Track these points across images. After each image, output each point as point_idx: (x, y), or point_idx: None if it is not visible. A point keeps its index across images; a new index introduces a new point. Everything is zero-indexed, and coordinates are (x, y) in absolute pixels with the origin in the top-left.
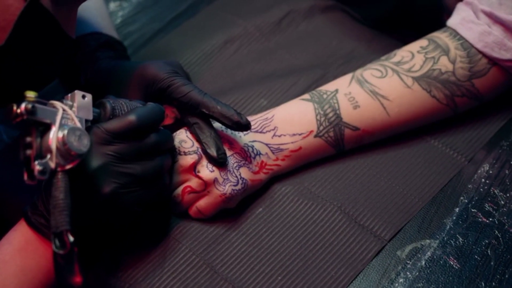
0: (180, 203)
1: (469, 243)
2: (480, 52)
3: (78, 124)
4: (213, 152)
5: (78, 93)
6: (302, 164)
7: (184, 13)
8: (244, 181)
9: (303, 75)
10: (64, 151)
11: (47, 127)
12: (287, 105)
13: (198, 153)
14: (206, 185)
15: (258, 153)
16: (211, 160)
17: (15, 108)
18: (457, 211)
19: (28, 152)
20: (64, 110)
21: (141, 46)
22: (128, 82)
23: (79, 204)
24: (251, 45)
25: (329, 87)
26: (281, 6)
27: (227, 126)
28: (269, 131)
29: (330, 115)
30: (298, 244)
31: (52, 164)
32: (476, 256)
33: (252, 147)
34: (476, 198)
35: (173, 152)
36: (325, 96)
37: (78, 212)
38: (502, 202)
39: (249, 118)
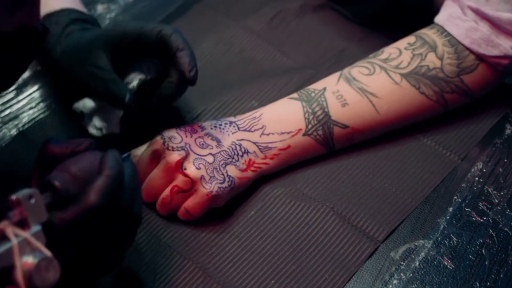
0: (168, 204)
1: (463, 243)
2: (467, 48)
3: (41, 248)
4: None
5: (23, 198)
6: (292, 163)
7: (174, 14)
8: (231, 179)
9: (294, 76)
10: (33, 286)
11: (9, 267)
12: (275, 104)
13: (186, 149)
14: (193, 183)
15: (246, 152)
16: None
17: None
18: (450, 210)
19: None
20: (18, 237)
21: None
22: (96, 50)
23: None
24: (242, 45)
25: (317, 85)
26: (272, 5)
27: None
28: (257, 129)
29: (319, 113)
30: (291, 246)
31: None
32: (470, 256)
33: (240, 145)
34: (470, 197)
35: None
36: (313, 94)
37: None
38: (496, 201)
39: (238, 117)
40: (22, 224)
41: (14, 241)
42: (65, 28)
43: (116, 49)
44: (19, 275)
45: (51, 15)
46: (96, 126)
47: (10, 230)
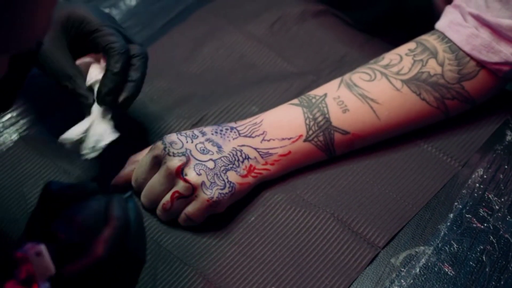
0: (169, 210)
1: (464, 249)
2: (468, 54)
3: None
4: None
5: (29, 255)
6: (292, 169)
7: (175, 20)
8: (231, 184)
9: (295, 82)
10: None
11: None
12: (276, 110)
13: (187, 155)
14: (194, 189)
15: (247, 157)
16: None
17: None
18: (451, 217)
19: None
20: None
21: None
22: (56, 26)
23: None
24: (243, 50)
25: (318, 91)
26: (273, 11)
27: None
28: (258, 135)
29: (320, 119)
30: (291, 252)
31: None
32: (471, 263)
33: (241, 151)
34: (471, 203)
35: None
36: (314, 100)
37: None
38: (497, 207)
39: (238, 123)
40: (30, 280)
41: None
42: None
43: (71, 35)
44: None
45: None
46: (92, 147)
47: None
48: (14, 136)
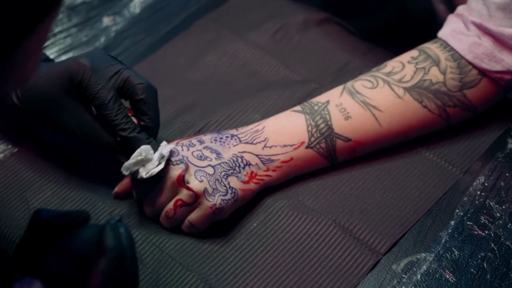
0: (172, 218)
1: (465, 256)
2: (470, 63)
3: None
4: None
5: None
6: (294, 175)
7: (178, 28)
8: (233, 190)
9: (297, 90)
10: None
11: None
12: (278, 116)
13: (185, 162)
14: (197, 197)
15: (248, 164)
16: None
17: None
18: (452, 224)
19: None
20: None
21: (135, 60)
22: (53, 88)
23: None
24: (246, 58)
25: (321, 98)
26: (275, 20)
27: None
28: (259, 142)
29: (322, 126)
30: (293, 258)
31: None
32: (472, 270)
33: (242, 157)
34: (472, 210)
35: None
36: (316, 107)
37: None
38: (498, 215)
39: (240, 130)
40: None
41: None
42: None
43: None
44: None
45: None
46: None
47: None
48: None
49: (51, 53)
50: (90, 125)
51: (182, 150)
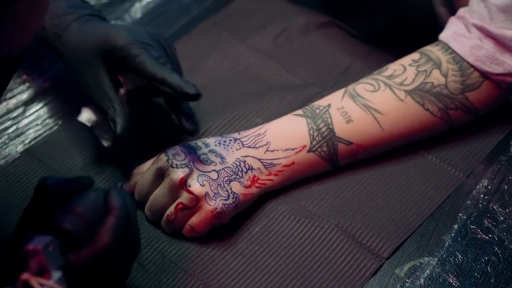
0: (173, 221)
1: (469, 260)
2: (471, 65)
3: None
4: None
5: (41, 248)
6: (296, 179)
7: (179, 32)
8: (235, 195)
9: (299, 93)
10: None
11: None
12: (280, 120)
13: (190, 166)
14: (198, 200)
15: (250, 168)
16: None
17: None
18: (456, 227)
19: None
20: (42, 287)
21: None
22: (94, 54)
23: None
24: (247, 62)
25: (322, 102)
26: (277, 23)
27: (178, 97)
28: (261, 146)
29: (323, 129)
30: (295, 263)
31: None
32: (475, 274)
33: (244, 162)
34: (475, 214)
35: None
36: (317, 111)
37: None
38: (502, 218)
39: (242, 134)
40: (42, 271)
41: None
42: (59, 21)
43: (109, 61)
44: None
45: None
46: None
47: (34, 281)
48: (20, 148)
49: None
50: (104, 90)
51: (190, 153)
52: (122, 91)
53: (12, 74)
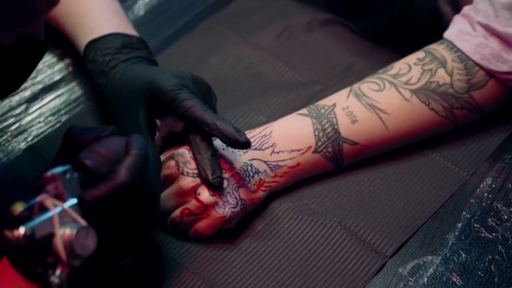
0: (178, 224)
1: (472, 259)
2: (477, 64)
3: (79, 220)
4: (207, 175)
5: (59, 174)
6: (300, 179)
7: (182, 30)
8: (243, 201)
9: (302, 91)
10: (72, 255)
11: (49, 237)
12: (284, 120)
13: (200, 176)
14: (206, 208)
15: (257, 172)
16: (206, 183)
17: (10, 234)
18: (459, 226)
19: (39, 269)
20: (57, 207)
21: None
22: (138, 93)
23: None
24: (250, 60)
25: (327, 101)
26: (279, 21)
27: (226, 144)
28: (267, 147)
29: (328, 130)
30: (298, 261)
31: (66, 271)
32: (479, 273)
33: (251, 165)
34: (479, 213)
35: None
36: (322, 110)
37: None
38: (506, 217)
39: (247, 135)
40: (58, 198)
41: (54, 211)
42: (109, 59)
43: (151, 103)
44: (59, 244)
45: (96, 42)
46: None
47: (49, 202)
48: (22, 145)
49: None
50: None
51: None
52: (158, 136)
53: (39, 59)
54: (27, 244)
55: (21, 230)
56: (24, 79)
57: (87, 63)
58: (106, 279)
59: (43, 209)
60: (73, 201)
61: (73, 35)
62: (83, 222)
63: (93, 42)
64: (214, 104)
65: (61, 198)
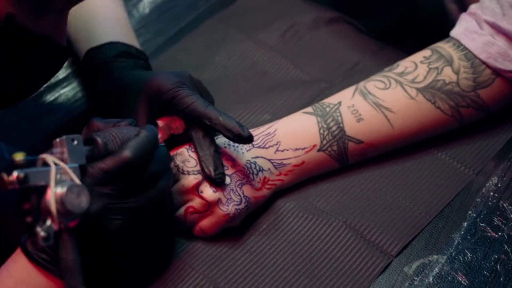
0: (182, 222)
1: (478, 259)
2: (483, 62)
3: (75, 179)
4: (210, 171)
5: (66, 139)
6: (305, 178)
7: (187, 28)
8: (247, 199)
9: (307, 89)
10: (64, 211)
11: (43, 189)
12: (289, 118)
13: (201, 173)
14: (209, 206)
15: (261, 169)
16: (209, 179)
17: (5, 177)
18: (465, 225)
19: (28, 219)
20: (56, 164)
21: None
22: (136, 94)
23: (88, 248)
24: (255, 58)
25: (332, 99)
26: (284, 19)
27: (229, 139)
28: (271, 146)
29: (334, 128)
30: (303, 260)
31: (55, 227)
32: (485, 272)
33: (255, 163)
34: (485, 212)
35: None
36: (328, 109)
37: (90, 255)
38: (511, 216)
39: (252, 133)
40: (63, 160)
41: (53, 166)
42: (106, 66)
43: (151, 104)
44: (51, 196)
45: (96, 50)
46: None
47: (50, 158)
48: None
49: None
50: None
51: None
52: (160, 139)
53: (60, 64)
54: (21, 188)
55: (15, 173)
56: (41, 84)
57: (84, 68)
58: (109, 277)
59: (46, 165)
60: (75, 165)
61: (76, 38)
62: (78, 181)
63: (93, 50)
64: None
65: (64, 162)
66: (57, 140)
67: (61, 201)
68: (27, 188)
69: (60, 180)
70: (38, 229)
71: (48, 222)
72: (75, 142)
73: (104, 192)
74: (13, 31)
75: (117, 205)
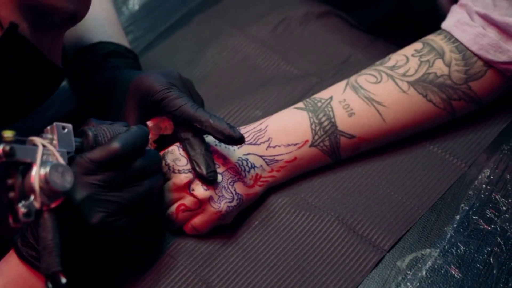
0: (174, 221)
1: (471, 251)
2: (475, 54)
3: (60, 160)
4: (202, 170)
5: (57, 126)
6: (298, 174)
7: (177, 24)
8: (239, 196)
9: (299, 84)
10: (48, 189)
11: (28, 166)
12: (280, 114)
13: (192, 171)
14: (201, 203)
15: (253, 166)
16: (201, 178)
17: None
18: (457, 218)
19: (11, 194)
20: (44, 146)
21: None
22: (126, 94)
23: (69, 236)
24: (246, 53)
25: (324, 94)
26: (275, 14)
27: (220, 141)
28: (263, 142)
29: (325, 123)
30: (295, 256)
31: (37, 204)
32: (478, 265)
33: (246, 160)
34: (477, 204)
35: (163, 171)
36: (319, 104)
37: (69, 242)
38: (504, 208)
39: (242, 130)
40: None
41: (40, 146)
42: (96, 66)
43: (141, 104)
44: (35, 173)
45: (84, 50)
46: None
47: (38, 140)
48: None
49: None
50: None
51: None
52: (150, 139)
53: (57, 85)
54: (7, 161)
55: (1, 145)
56: (36, 106)
57: (73, 68)
58: (102, 276)
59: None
60: (63, 150)
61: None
62: (63, 162)
63: (82, 50)
64: (202, 105)
65: (53, 147)
66: (48, 127)
67: (45, 180)
68: (13, 162)
69: (46, 161)
70: (19, 205)
71: (31, 198)
72: (66, 130)
73: (90, 182)
74: (15, 41)
75: (102, 197)
